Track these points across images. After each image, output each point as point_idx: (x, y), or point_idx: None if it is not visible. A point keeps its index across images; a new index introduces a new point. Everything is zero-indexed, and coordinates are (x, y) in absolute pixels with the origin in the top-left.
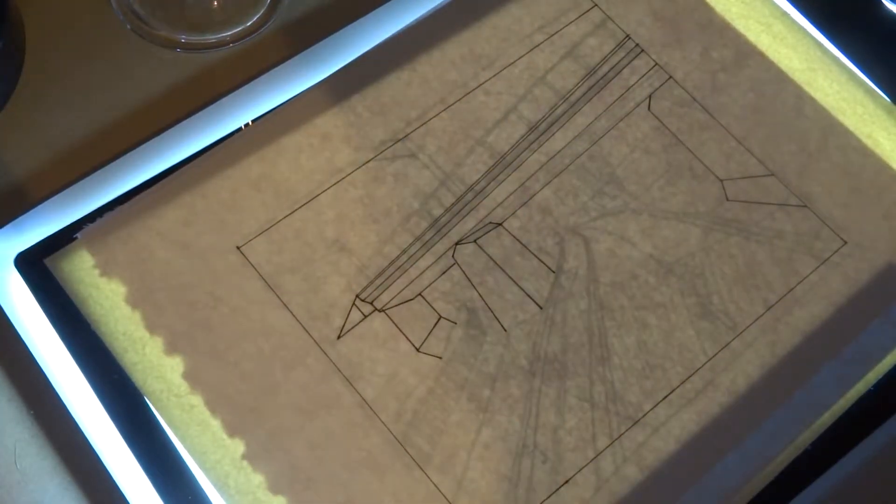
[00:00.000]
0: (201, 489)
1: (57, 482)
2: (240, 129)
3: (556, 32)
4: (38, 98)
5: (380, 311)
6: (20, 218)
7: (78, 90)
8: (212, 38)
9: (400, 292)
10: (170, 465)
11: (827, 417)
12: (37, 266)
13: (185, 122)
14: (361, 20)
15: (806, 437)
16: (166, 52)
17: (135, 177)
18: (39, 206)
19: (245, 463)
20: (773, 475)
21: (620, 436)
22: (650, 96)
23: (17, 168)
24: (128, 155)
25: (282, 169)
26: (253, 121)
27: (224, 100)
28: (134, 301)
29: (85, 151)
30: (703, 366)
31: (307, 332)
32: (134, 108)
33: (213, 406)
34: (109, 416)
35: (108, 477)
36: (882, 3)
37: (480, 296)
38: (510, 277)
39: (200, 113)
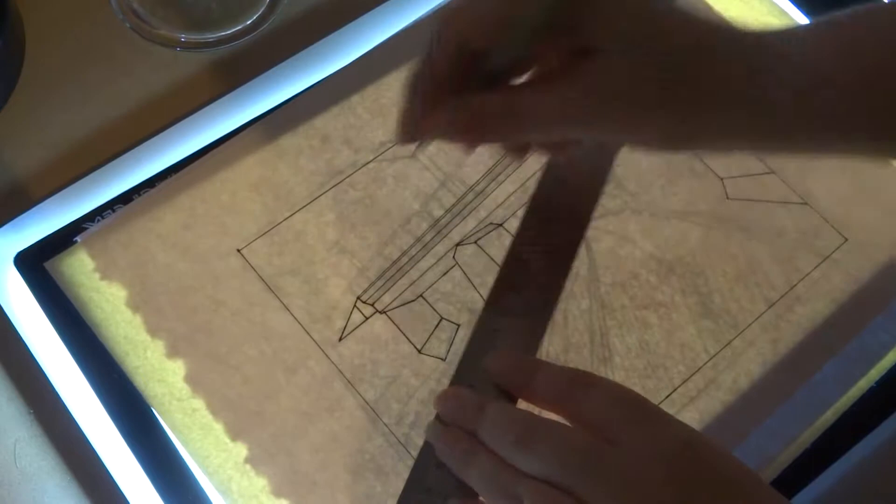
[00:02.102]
0: (201, 488)
1: (56, 481)
2: (239, 130)
3: None
4: (38, 98)
5: (381, 312)
6: (20, 217)
7: (78, 90)
8: (212, 37)
9: (401, 294)
10: (170, 463)
11: (829, 415)
12: (37, 269)
13: (185, 121)
14: (360, 19)
15: (808, 434)
16: (166, 51)
17: (135, 175)
18: (39, 206)
19: (248, 466)
20: (776, 472)
21: None
22: None
23: (17, 167)
24: (128, 154)
25: (282, 171)
26: (253, 121)
27: (224, 99)
28: (135, 305)
29: (85, 150)
30: (704, 364)
31: (308, 334)
32: (134, 106)
33: (216, 410)
34: (109, 416)
35: (108, 476)
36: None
37: (481, 296)
38: None
39: (200, 112)
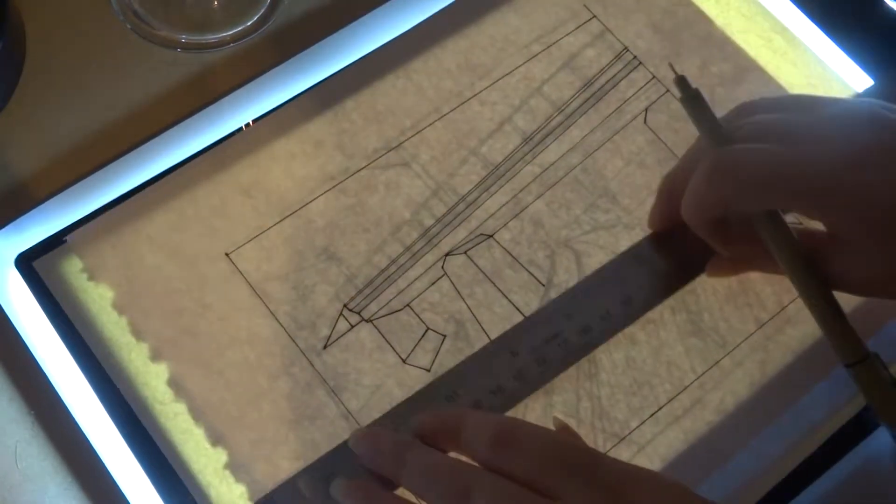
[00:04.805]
0: (188, 487)
1: (58, 482)
2: (234, 132)
3: (554, 43)
4: (38, 98)
5: (367, 321)
6: (20, 218)
7: (78, 90)
8: (212, 38)
9: (388, 303)
10: (162, 462)
11: (816, 438)
12: (28, 267)
13: (185, 122)
14: (360, 21)
15: (793, 456)
16: (166, 52)
17: (136, 176)
18: (40, 206)
19: (227, 472)
20: (759, 495)
21: (606, 453)
22: (646, 109)
23: (17, 168)
24: (129, 155)
25: (274, 175)
26: (254, 121)
27: (224, 100)
28: (121, 306)
29: (85, 151)
30: (691, 383)
31: (293, 341)
32: (134, 107)
33: (197, 414)
34: (110, 417)
35: (109, 477)
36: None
37: (469, 308)
38: (499, 290)
39: (200, 113)
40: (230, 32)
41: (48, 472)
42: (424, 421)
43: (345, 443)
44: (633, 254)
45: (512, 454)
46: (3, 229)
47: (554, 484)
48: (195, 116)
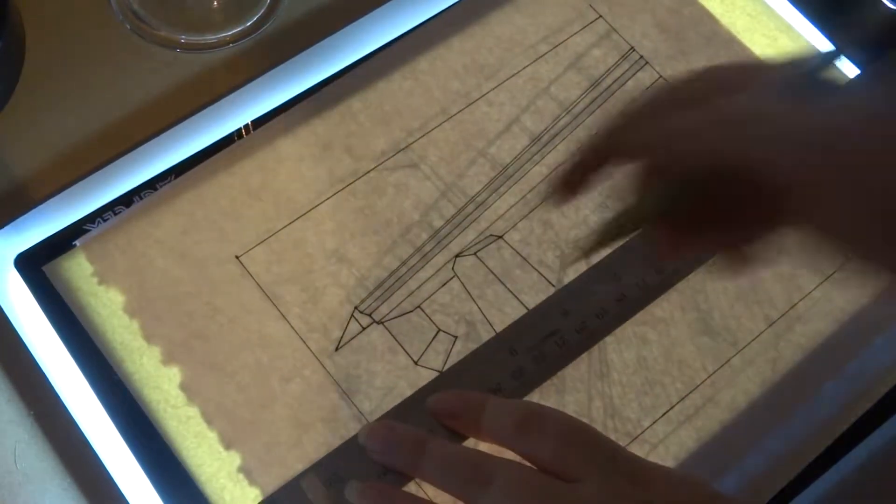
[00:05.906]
0: (203, 493)
1: (57, 483)
2: (240, 136)
3: (561, 43)
4: (38, 98)
5: (378, 323)
6: (20, 218)
7: (78, 90)
8: (212, 38)
9: (399, 304)
10: (170, 465)
11: (827, 435)
12: (37, 271)
13: (185, 122)
14: (361, 20)
15: (805, 455)
16: (166, 52)
17: (136, 176)
18: (40, 207)
19: (241, 476)
20: (772, 492)
21: None
22: None
23: (17, 168)
24: (128, 155)
25: (282, 178)
26: (253, 122)
27: (224, 100)
28: (132, 310)
29: (85, 151)
30: (703, 382)
31: (305, 343)
32: (134, 108)
33: (210, 418)
34: (110, 417)
35: (109, 478)
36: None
37: (480, 309)
38: (510, 291)
39: (200, 113)
40: (230, 32)
41: (48, 472)
42: (444, 400)
43: (346, 443)
44: (627, 248)
45: (535, 436)
46: (3, 229)
47: (576, 467)
48: (194, 117)
